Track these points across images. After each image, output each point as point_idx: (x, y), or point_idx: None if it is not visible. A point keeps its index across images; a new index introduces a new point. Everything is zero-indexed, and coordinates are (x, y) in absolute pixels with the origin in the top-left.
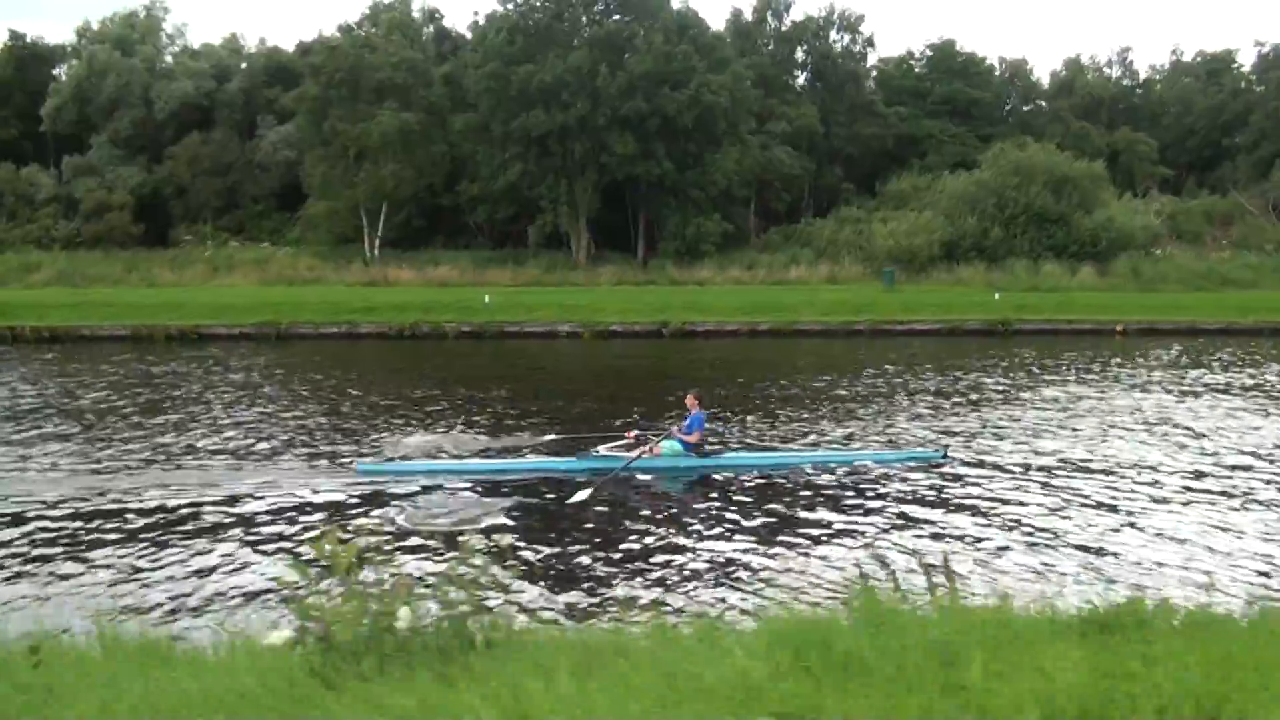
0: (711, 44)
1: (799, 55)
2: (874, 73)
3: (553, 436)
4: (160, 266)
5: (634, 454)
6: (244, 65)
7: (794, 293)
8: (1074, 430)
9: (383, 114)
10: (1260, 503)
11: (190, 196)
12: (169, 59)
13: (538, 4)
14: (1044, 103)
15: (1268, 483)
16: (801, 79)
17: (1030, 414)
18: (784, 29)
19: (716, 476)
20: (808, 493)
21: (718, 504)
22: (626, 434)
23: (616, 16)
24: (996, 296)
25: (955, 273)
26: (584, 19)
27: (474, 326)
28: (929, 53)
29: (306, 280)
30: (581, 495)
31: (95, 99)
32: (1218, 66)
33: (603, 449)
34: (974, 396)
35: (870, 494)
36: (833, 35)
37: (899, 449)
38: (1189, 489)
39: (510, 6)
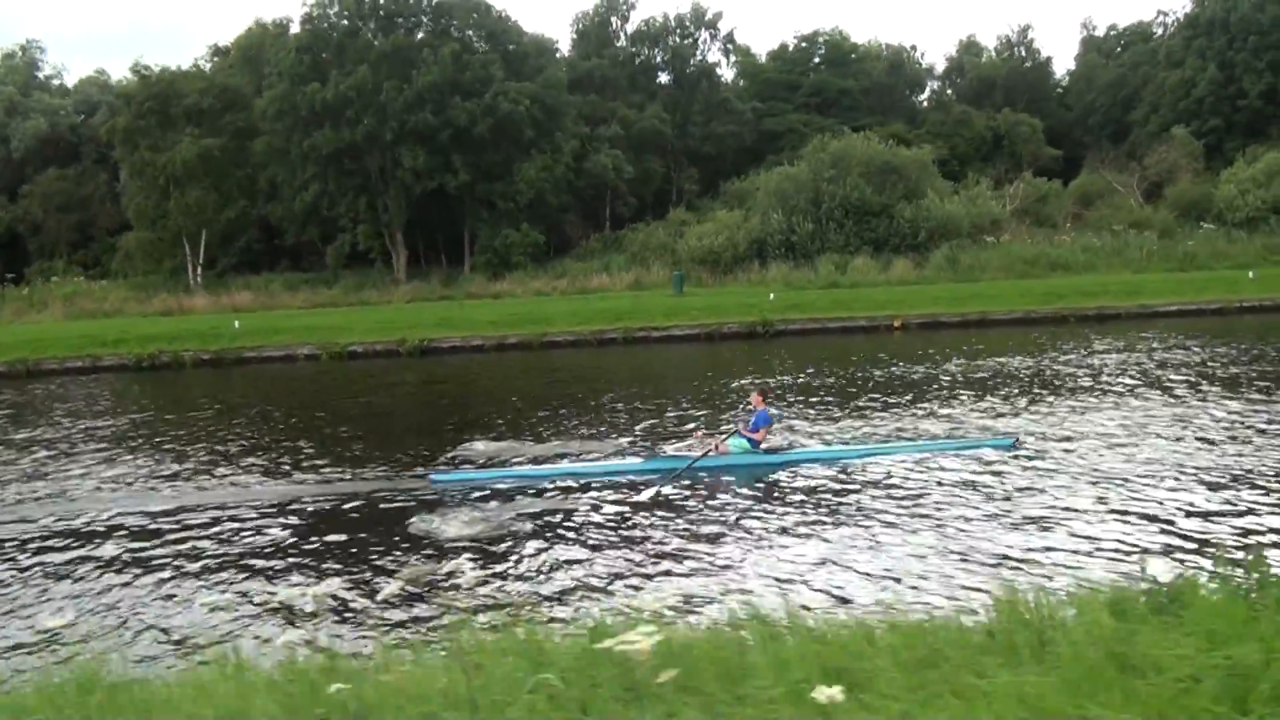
0: (527, 50)
1: (656, 57)
2: (735, 69)
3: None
4: None
5: (698, 453)
6: (113, 98)
7: (563, 303)
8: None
9: (182, 141)
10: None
11: (45, 233)
12: (45, 97)
13: (333, 21)
14: (934, 87)
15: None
16: (662, 79)
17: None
18: (633, 30)
19: (784, 473)
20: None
21: (796, 500)
22: (694, 434)
23: (417, 31)
24: (771, 296)
25: (762, 272)
26: (380, 34)
27: (212, 354)
28: (803, 44)
29: (108, 314)
30: (646, 494)
31: None
32: (1130, 40)
33: (670, 449)
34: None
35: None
36: (693, 33)
37: (968, 438)
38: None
39: (309, 27)
